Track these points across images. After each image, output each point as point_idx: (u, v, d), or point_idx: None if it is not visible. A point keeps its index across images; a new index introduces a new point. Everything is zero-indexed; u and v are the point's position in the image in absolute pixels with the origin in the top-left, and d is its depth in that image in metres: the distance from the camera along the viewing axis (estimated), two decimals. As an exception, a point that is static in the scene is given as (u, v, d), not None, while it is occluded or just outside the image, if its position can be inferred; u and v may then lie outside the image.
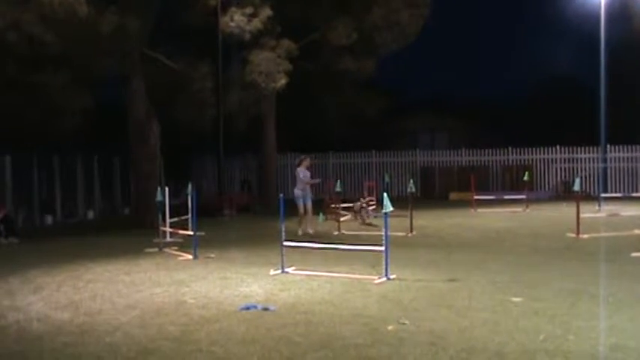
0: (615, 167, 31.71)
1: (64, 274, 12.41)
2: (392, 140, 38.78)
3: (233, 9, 24.39)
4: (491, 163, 33.98)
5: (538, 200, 28.29)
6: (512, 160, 33.70)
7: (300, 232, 17.86)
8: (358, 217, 21.28)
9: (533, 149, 33.38)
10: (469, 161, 34.26)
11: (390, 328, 7.96)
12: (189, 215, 16.54)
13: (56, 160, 25.25)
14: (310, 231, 18.12)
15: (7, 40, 18.50)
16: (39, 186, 24.77)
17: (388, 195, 11.54)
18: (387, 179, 25.14)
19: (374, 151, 34.87)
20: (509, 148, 33.73)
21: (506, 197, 27.28)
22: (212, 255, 14.54)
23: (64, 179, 25.55)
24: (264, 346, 7.32)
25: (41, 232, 21.49)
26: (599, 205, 23.92)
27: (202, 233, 16.78)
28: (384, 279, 10.96)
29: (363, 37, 27.32)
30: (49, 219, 24.31)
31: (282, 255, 12.25)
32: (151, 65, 23.77)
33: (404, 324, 8.10)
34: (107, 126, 28.88)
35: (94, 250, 15.89)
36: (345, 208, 21.70)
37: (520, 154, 33.66)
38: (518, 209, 24.50)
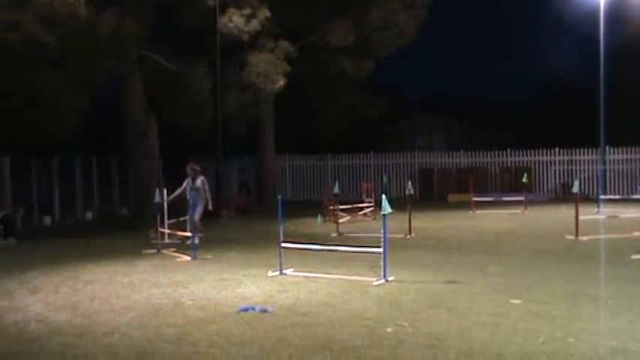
0: (614, 169, 31.68)
1: (63, 276, 12.39)
2: (390, 142, 38.74)
3: (231, 10, 24.36)
4: (489, 165, 33.92)
5: (537, 202, 28.28)
6: (511, 162, 33.66)
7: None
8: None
9: (532, 151, 33.33)
10: (467, 163, 34.20)
11: (388, 330, 7.94)
12: (188, 216, 16.53)
13: (55, 161, 25.22)
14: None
15: (7, 40, 18.47)
16: (37, 187, 24.74)
17: (387, 197, 11.52)
18: (385, 181, 25.11)
19: (372, 153, 34.84)
20: (508, 150, 33.69)
21: (504, 199, 27.26)
22: (210, 256, 14.52)
23: (62, 180, 25.52)
24: (262, 347, 7.30)
25: (40, 233, 21.45)
26: (598, 207, 23.90)
27: (200, 234, 16.77)
28: (383, 281, 10.94)
29: (360, 38, 27.30)
30: (47, 220, 24.27)
31: (280, 256, 12.23)
32: (148, 66, 23.77)
33: (403, 326, 8.08)
34: (106, 127, 28.84)
35: (92, 252, 15.85)
36: (343, 210, 21.69)
37: (519, 155, 33.61)
38: (517, 211, 24.49)
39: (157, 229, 16.35)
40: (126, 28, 20.34)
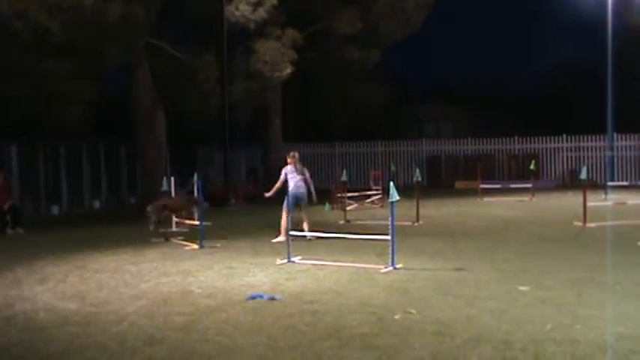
0: (622, 156, 31.58)
1: (71, 265, 12.43)
2: (398, 130, 38.72)
3: (238, -2, 24.33)
4: (497, 152, 33.90)
5: (544, 189, 28.21)
6: (518, 149, 33.61)
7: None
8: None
9: (540, 138, 33.26)
10: (475, 150, 34.18)
11: (396, 317, 7.94)
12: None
13: (62, 149, 25.25)
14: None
15: (13, 28, 18.47)
16: (45, 176, 24.79)
17: (394, 184, 11.51)
18: (392, 168, 25.11)
19: (380, 141, 34.81)
20: (515, 137, 33.63)
21: (512, 186, 27.21)
22: (218, 245, 14.55)
23: (70, 169, 25.57)
24: (270, 335, 7.32)
25: (47, 222, 21.52)
26: (606, 194, 23.84)
27: (208, 223, 16.80)
28: (391, 268, 10.94)
29: (368, 26, 27.28)
30: (55, 209, 24.34)
31: (288, 244, 12.25)
32: (156, 55, 23.76)
33: (411, 313, 8.08)
34: (113, 115, 28.91)
35: (100, 240, 15.90)
36: (350, 198, 21.68)
37: (526, 142, 33.55)
38: (525, 198, 24.42)
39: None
40: (133, 16, 20.30)
